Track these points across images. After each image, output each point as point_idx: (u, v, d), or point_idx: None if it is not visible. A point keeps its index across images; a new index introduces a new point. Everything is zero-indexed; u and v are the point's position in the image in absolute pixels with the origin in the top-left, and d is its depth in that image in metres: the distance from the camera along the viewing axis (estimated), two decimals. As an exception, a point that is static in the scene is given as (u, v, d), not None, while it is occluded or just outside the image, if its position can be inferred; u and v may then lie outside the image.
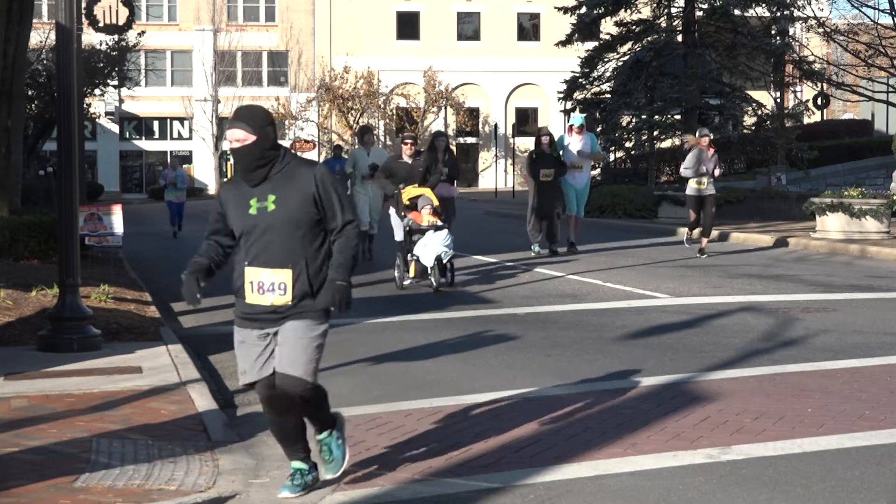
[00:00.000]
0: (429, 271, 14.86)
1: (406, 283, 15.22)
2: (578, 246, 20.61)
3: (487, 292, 15.12)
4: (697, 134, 20.08)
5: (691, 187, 19.67)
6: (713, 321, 12.23)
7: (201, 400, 8.13)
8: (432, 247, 14.75)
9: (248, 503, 6.01)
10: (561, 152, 20.22)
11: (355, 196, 18.95)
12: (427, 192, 15.45)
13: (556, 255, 19.82)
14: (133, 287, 14.96)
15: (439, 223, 15.11)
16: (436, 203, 15.38)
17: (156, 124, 72.66)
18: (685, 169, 19.59)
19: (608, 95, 40.28)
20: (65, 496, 5.91)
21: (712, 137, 20.69)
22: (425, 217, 15.15)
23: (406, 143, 15.97)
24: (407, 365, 9.92)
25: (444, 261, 14.82)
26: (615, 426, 7.47)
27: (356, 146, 22.12)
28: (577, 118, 21.06)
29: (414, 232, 15.11)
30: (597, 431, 7.34)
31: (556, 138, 20.65)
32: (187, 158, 71.60)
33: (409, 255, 15.08)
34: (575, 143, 20.61)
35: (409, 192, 15.41)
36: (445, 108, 71.83)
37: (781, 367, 9.47)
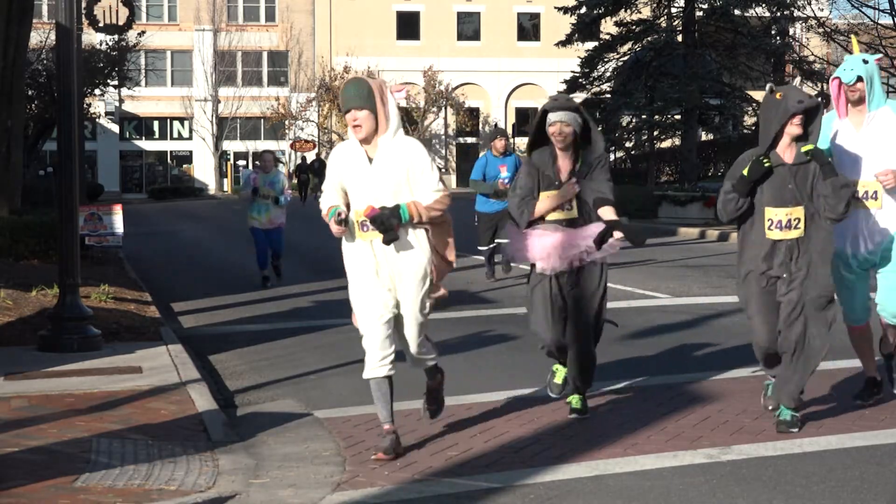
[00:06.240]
0: None
1: None
2: None
3: (487, 292, 15.12)
4: None
5: None
6: (713, 321, 12.22)
7: (201, 400, 8.13)
8: None
9: (248, 503, 6.01)
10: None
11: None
12: None
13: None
14: (133, 287, 14.95)
15: None
16: None
17: (156, 124, 72.66)
18: None
19: (608, 95, 40.35)
20: (65, 496, 5.91)
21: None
22: None
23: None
24: (407, 365, 9.88)
25: None
26: (615, 426, 7.47)
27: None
28: (857, 61, 7.64)
29: None
30: (597, 431, 7.34)
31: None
32: (187, 158, 71.66)
33: None
34: (852, 135, 7.84)
35: None
36: (445, 108, 71.86)
37: (781, 367, 9.45)
